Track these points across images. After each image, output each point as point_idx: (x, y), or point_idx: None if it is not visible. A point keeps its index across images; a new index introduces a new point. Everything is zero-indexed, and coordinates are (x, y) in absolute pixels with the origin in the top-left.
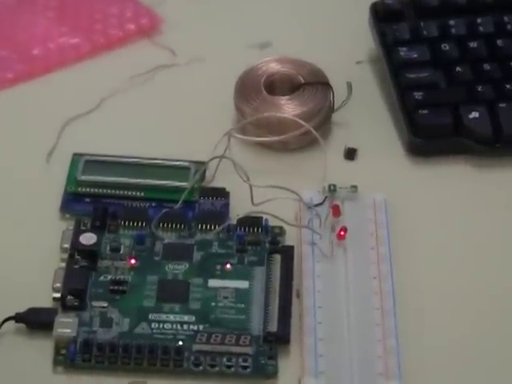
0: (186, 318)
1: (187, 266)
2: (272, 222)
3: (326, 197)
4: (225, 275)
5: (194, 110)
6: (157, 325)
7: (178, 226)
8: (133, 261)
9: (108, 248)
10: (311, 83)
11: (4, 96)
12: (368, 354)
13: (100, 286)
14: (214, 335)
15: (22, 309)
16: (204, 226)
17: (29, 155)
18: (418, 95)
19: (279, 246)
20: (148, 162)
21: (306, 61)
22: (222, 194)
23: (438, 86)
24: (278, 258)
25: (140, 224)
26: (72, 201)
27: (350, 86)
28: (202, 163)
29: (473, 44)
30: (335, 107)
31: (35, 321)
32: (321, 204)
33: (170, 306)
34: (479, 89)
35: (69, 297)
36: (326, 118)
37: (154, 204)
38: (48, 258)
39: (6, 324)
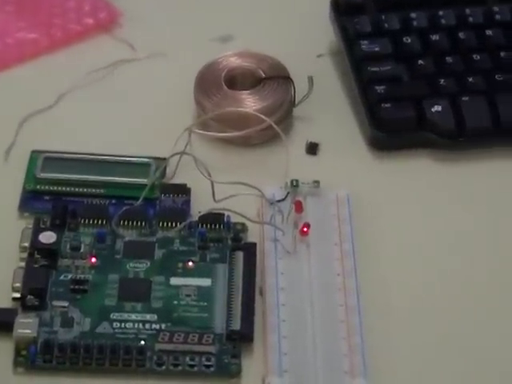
0: (148, 316)
1: (148, 264)
2: (234, 219)
3: (288, 192)
4: (187, 273)
5: (154, 105)
6: (118, 324)
7: (139, 224)
8: (93, 259)
9: (68, 246)
10: (272, 77)
11: None
12: (333, 352)
13: (60, 286)
14: (176, 334)
15: None
16: (165, 224)
17: None
18: (380, 89)
19: (241, 242)
20: (108, 159)
21: (267, 55)
22: (183, 190)
23: (400, 79)
24: (240, 255)
25: (100, 222)
26: (31, 199)
27: (311, 79)
28: (163, 159)
29: (435, 37)
30: (296, 101)
31: None
32: (283, 200)
33: (131, 304)
34: (442, 82)
35: (29, 296)
36: (287, 113)
37: (114, 201)
38: (7, 257)
39: None
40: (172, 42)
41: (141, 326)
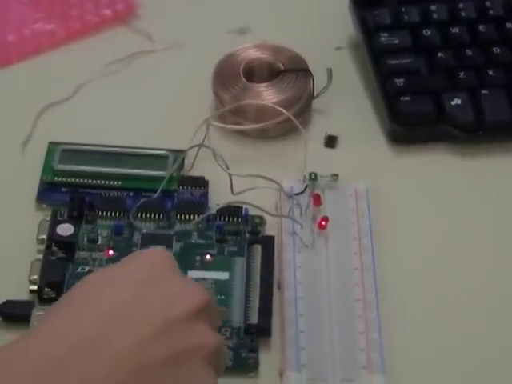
0: None
1: None
2: (252, 212)
3: (306, 186)
4: (205, 266)
5: (171, 97)
6: None
7: (157, 216)
8: (111, 252)
9: (85, 239)
10: (291, 70)
11: None
12: (350, 347)
13: (78, 278)
14: None
15: None
16: (183, 216)
17: (4, 144)
18: (399, 82)
19: (259, 236)
20: (125, 151)
21: (286, 47)
22: (201, 183)
23: (419, 72)
24: (258, 248)
25: (118, 214)
26: (48, 191)
27: (330, 72)
28: (181, 152)
29: (454, 29)
30: (315, 94)
31: (12, 313)
32: (301, 193)
33: None
34: (461, 75)
35: (46, 289)
36: (306, 106)
37: (131, 193)
38: (24, 249)
39: None
40: (189, 34)
41: None
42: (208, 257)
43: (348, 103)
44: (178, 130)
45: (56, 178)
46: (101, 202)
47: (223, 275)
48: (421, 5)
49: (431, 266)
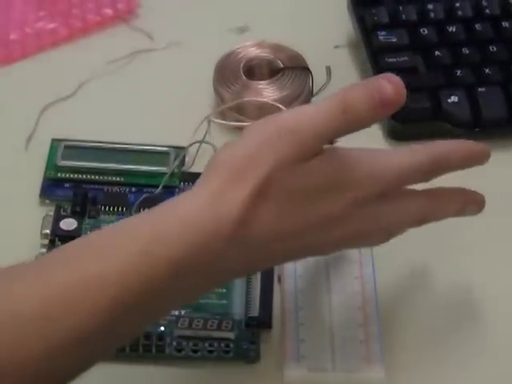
0: None
1: None
2: None
3: None
4: None
5: (172, 94)
6: None
7: None
8: None
9: (89, 233)
10: (290, 68)
11: None
12: (350, 339)
13: None
14: (195, 320)
15: None
16: None
17: (7, 141)
18: None
19: None
20: (127, 147)
21: (285, 45)
22: None
23: (416, 70)
24: None
25: (120, 209)
26: (52, 186)
27: (329, 70)
28: (182, 148)
29: (451, 28)
30: (314, 92)
31: None
32: None
33: None
34: (458, 73)
35: None
36: (305, 103)
37: (134, 189)
38: (28, 244)
39: None
40: (189, 33)
41: None
42: None
43: None
44: (179, 127)
45: (59, 174)
46: (104, 198)
47: None
48: (418, 4)
49: (428, 259)
